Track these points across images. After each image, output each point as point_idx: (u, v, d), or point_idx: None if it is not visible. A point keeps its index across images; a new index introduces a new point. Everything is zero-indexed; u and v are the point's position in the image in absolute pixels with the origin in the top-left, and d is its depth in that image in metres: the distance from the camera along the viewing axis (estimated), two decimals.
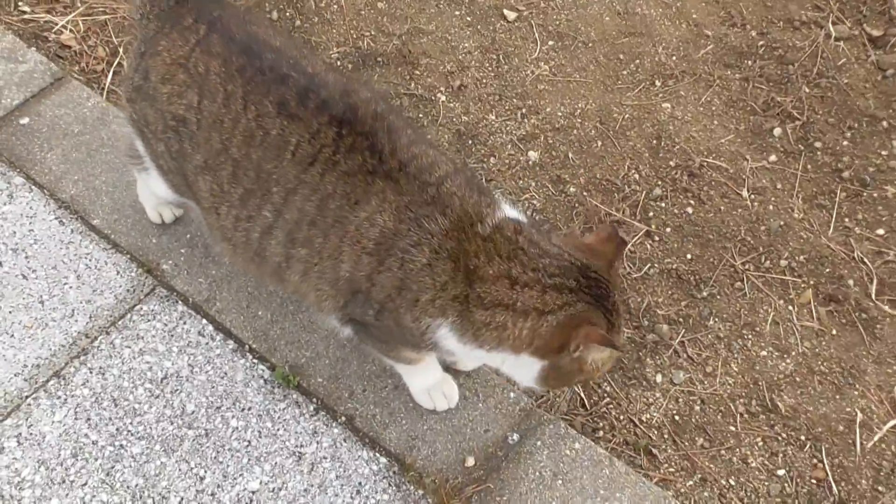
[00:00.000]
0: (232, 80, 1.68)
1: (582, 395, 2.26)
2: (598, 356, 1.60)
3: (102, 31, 2.72)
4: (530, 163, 2.64)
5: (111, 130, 2.39)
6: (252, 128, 1.66)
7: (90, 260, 2.18)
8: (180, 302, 2.13)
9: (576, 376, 1.65)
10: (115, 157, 2.35)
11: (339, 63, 2.74)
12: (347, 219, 1.62)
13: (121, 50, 2.67)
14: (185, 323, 2.10)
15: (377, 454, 1.98)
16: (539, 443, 2.03)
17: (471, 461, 1.99)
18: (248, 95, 1.67)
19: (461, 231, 1.59)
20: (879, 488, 2.19)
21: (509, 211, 1.68)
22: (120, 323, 2.09)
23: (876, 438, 2.26)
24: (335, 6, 2.87)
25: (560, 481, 1.99)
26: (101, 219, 2.24)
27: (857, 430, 2.27)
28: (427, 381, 2.02)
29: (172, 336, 2.08)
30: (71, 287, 2.14)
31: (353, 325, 1.77)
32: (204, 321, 2.11)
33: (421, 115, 2.67)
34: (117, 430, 1.97)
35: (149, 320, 2.10)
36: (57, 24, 2.68)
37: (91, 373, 2.03)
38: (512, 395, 2.09)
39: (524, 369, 1.66)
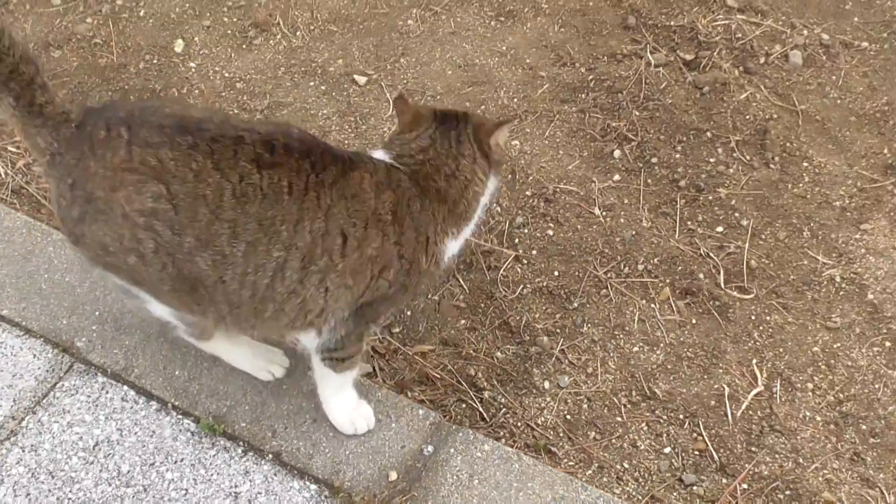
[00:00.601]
0: (192, 158, 1.90)
1: (480, 409, 2.63)
2: (502, 136, 2.26)
3: None
4: None
5: (4, 227, 2.66)
6: (243, 188, 1.92)
7: (5, 348, 2.42)
8: (99, 374, 2.39)
9: (504, 156, 2.37)
10: (12, 250, 2.61)
11: None
12: (356, 210, 2.01)
13: None
14: (107, 392, 2.37)
15: (307, 482, 2.28)
16: (452, 450, 2.37)
17: (394, 475, 2.32)
18: (220, 164, 1.91)
19: (409, 178, 2.12)
20: (753, 449, 2.62)
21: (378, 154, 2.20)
22: (45, 401, 2.34)
23: (743, 407, 2.70)
24: (196, 91, 3.21)
25: (476, 480, 2.33)
26: (10, 309, 2.49)
27: (727, 403, 2.70)
28: (348, 407, 2.37)
29: (97, 405, 2.34)
30: None
31: (355, 317, 2.15)
32: (125, 388, 2.38)
33: None
34: (58, 499, 2.20)
35: (72, 395, 2.36)
36: None
37: (24, 451, 2.27)
38: (421, 412, 2.44)
39: (491, 185, 2.29)
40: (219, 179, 1.91)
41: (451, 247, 2.26)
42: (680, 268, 2.96)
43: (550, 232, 3.01)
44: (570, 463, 2.56)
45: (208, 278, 1.99)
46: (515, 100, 3.29)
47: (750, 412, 2.69)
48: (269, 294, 2.02)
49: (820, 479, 2.56)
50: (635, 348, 2.80)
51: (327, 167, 2.00)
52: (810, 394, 2.74)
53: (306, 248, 1.99)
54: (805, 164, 3.21)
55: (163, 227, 1.92)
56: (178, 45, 3.30)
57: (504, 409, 2.64)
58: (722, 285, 2.93)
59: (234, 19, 3.39)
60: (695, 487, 2.53)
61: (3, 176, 2.91)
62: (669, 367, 2.76)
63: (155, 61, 3.26)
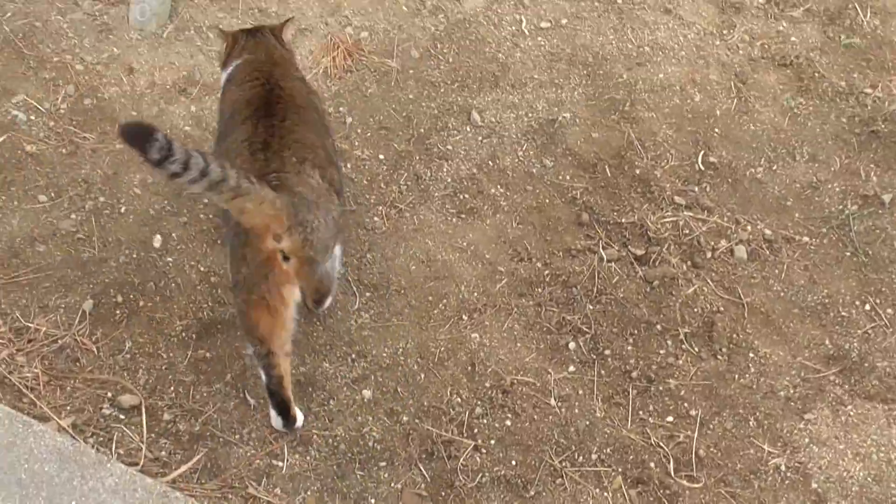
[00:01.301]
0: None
1: None
2: (287, 32, 3.56)
3: None
4: (365, 400, 3.31)
5: None
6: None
7: None
8: None
9: (291, 46, 3.61)
10: None
11: (183, 335, 3.39)
12: (306, 100, 3.42)
13: None
14: None
15: None
16: None
17: None
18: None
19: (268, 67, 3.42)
20: None
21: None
22: None
23: None
24: (173, 285, 3.51)
25: None
26: None
27: None
28: None
29: None
30: None
31: None
32: None
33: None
34: None
35: None
36: None
37: None
38: None
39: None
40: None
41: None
42: (632, 457, 3.24)
43: (508, 422, 3.29)
44: None
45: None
46: (475, 294, 3.62)
47: None
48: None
49: None
50: None
51: (294, 92, 3.31)
52: None
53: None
54: (751, 355, 3.53)
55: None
56: (157, 241, 3.62)
57: None
58: (672, 474, 3.20)
59: (210, 216, 3.73)
60: None
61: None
62: None
63: (134, 256, 3.58)
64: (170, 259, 3.59)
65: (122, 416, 3.18)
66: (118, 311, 3.44)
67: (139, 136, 2.48)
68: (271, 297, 2.91)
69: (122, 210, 3.73)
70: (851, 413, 3.40)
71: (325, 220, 2.96)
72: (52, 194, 3.74)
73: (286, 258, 2.88)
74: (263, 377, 3.06)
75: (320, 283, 3.05)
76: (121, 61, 4.26)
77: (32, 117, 4.00)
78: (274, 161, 2.95)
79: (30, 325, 3.36)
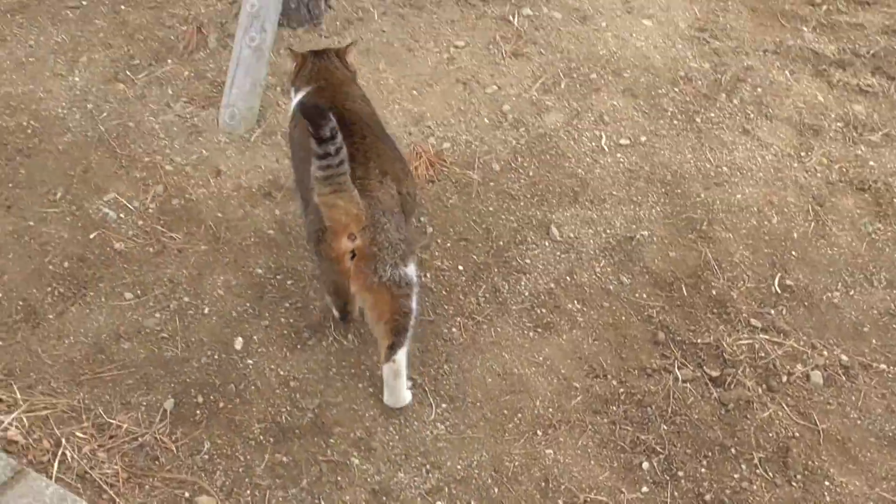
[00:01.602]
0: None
1: None
2: (350, 55, 3.91)
3: (45, 424, 3.40)
4: None
5: None
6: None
7: None
8: None
9: (354, 68, 3.97)
10: None
11: (261, 438, 3.49)
12: (366, 114, 3.83)
13: (63, 440, 3.35)
14: None
15: None
16: None
17: None
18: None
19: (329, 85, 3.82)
20: None
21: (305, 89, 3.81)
22: None
23: None
24: (252, 387, 3.63)
25: None
26: None
27: None
28: None
29: None
30: None
31: None
32: None
33: (339, 478, 3.37)
34: None
35: None
36: (3, 422, 3.35)
37: None
38: None
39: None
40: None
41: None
42: None
43: None
44: None
45: None
46: (550, 409, 3.68)
47: None
48: None
49: None
50: None
51: (362, 114, 3.69)
52: None
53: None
54: (827, 484, 3.54)
55: None
56: (238, 343, 3.75)
57: None
58: None
59: (291, 320, 3.85)
60: None
61: (70, 460, 3.30)
62: None
63: (216, 357, 3.70)
64: (250, 361, 3.71)
65: None
66: (198, 412, 3.54)
67: (317, 114, 2.99)
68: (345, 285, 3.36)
69: (206, 311, 3.86)
70: None
71: (398, 224, 3.36)
72: (139, 292, 3.90)
73: (353, 255, 3.27)
74: (337, 315, 3.68)
75: (395, 290, 3.36)
76: (209, 163, 4.45)
77: (122, 215, 4.18)
78: (359, 170, 3.28)
79: (112, 421, 3.47)
